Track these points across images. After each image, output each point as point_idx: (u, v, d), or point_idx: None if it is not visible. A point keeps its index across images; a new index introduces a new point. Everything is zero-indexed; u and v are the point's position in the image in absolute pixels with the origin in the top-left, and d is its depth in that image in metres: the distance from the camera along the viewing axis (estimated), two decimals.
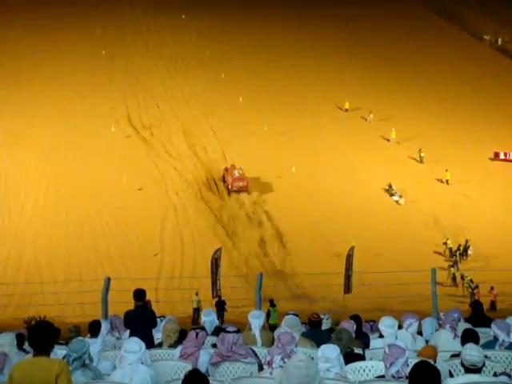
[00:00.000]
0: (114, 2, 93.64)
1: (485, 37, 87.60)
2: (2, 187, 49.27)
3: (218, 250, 36.55)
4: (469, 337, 8.30)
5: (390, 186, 51.55)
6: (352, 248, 36.69)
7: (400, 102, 68.30)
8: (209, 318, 12.85)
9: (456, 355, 8.21)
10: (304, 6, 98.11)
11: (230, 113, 63.40)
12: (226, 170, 52.92)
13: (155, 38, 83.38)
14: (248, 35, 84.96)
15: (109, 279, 15.60)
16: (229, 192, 51.53)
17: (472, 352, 7.07)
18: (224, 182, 52.66)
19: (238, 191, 51.78)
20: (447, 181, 53.18)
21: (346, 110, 66.18)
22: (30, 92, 65.51)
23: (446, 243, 43.72)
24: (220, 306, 33.29)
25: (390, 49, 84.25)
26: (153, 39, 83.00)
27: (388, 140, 60.20)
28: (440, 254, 43.47)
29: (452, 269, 39.59)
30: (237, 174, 52.05)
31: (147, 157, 55.37)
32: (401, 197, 50.48)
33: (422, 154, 56.28)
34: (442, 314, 10.72)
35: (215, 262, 35.74)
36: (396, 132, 60.04)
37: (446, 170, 53.18)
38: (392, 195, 50.93)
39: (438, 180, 53.59)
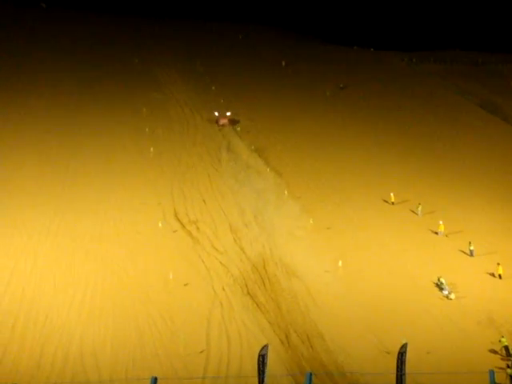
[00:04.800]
0: (163, 102, 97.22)
1: None
2: (52, 284, 49.56)
3: (265, 347, 35.81)
4: None
5: (440, 280, 50.38)
6: (404, 345, 35.48)
7: (447, 195, 67.86)
8: None
9: None
10: (348, 99, 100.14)
11: (276, 206, 63.74)
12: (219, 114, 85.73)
13: (202, 134, 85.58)
14: (293, 130, 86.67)
15: (155, 379, 15.31)
16: (218, 125, 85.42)
17: None
18: (216, 122, 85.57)
19: (222, 125, 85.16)
20: (500, 275, 51.57)
21: (392, 203, 65.82)
22: (82, 189, 67.35)
23: (500, 341, 42.00)
24: None
25: (435, 141, 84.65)
26: (199, 135, 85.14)
27: (436, 233, 59.35)
28: (496, 352, 41.70)
29: (509, 369, 37.73)
30: (223, 116, 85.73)
31: (193, 251, 55.54)
32: (451, 292, 49.16)
33: (472, 248, 55.09)
34: None
35: (262, 359, 34.95)
36: (444, 225, 59.24)
37: (498, 264, 51.70)
38: (442, 290, 49.66)
39: (489, 274, 52.09)
